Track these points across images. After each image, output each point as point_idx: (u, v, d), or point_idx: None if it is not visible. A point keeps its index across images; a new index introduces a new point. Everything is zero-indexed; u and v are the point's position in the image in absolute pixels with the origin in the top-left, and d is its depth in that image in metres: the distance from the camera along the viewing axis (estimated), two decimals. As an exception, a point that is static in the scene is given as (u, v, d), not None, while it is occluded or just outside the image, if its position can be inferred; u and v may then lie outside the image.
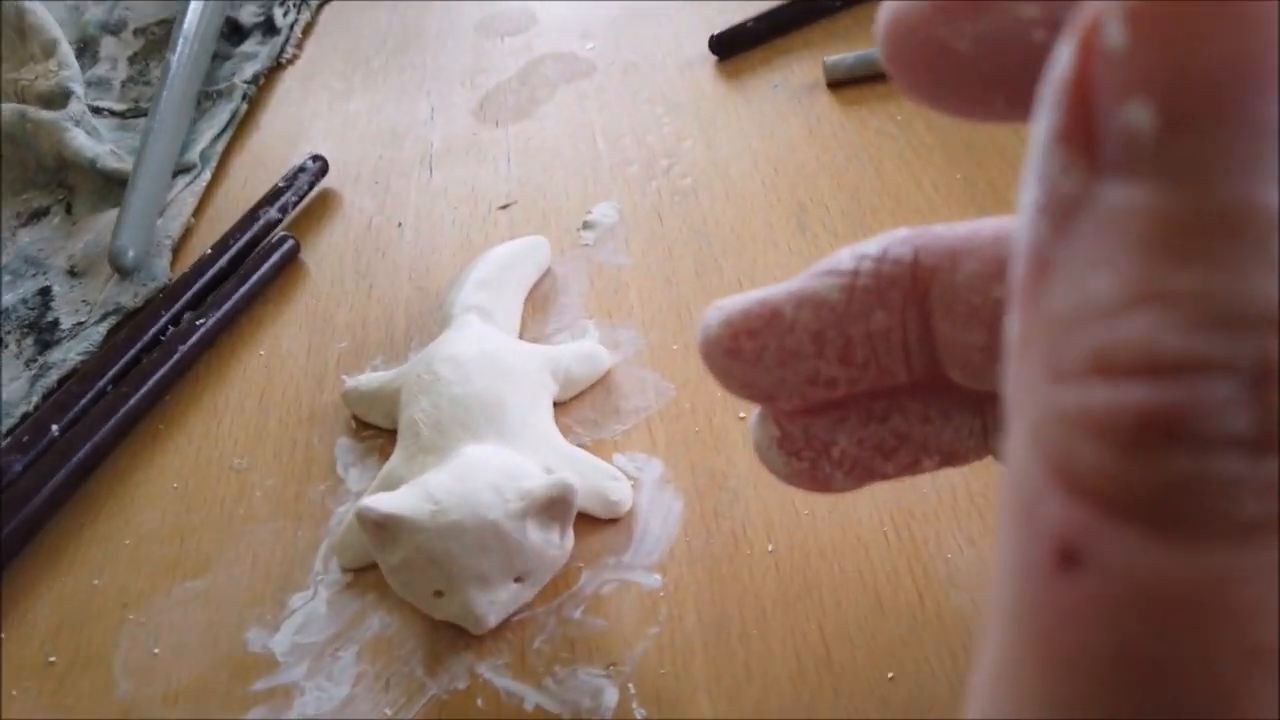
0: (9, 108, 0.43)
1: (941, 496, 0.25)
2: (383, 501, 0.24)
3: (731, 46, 0.42)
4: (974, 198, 0.33)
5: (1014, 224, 0.12)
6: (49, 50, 0.44)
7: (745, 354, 0.18)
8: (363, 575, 0.27)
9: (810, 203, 0.35)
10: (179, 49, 0.44)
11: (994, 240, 0.16)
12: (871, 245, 0.16)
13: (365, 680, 0.24)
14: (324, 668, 0.25)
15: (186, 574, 0.27)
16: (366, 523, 0.24)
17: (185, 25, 0.44)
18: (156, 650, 0.26)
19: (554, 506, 0.24)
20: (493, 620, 0.24)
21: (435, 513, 0.24)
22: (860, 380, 0.17)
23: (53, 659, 0.26)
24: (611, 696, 0.23)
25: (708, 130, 0.39)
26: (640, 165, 0.38)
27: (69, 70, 0.43)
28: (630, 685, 0.23)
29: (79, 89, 0.43)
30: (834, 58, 0.39)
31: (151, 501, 0.30)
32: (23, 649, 0.27)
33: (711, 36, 0.42)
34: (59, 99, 0.42)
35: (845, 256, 0.17)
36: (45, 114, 0.42)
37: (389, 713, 0.24)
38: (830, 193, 0.35)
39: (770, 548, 0.25)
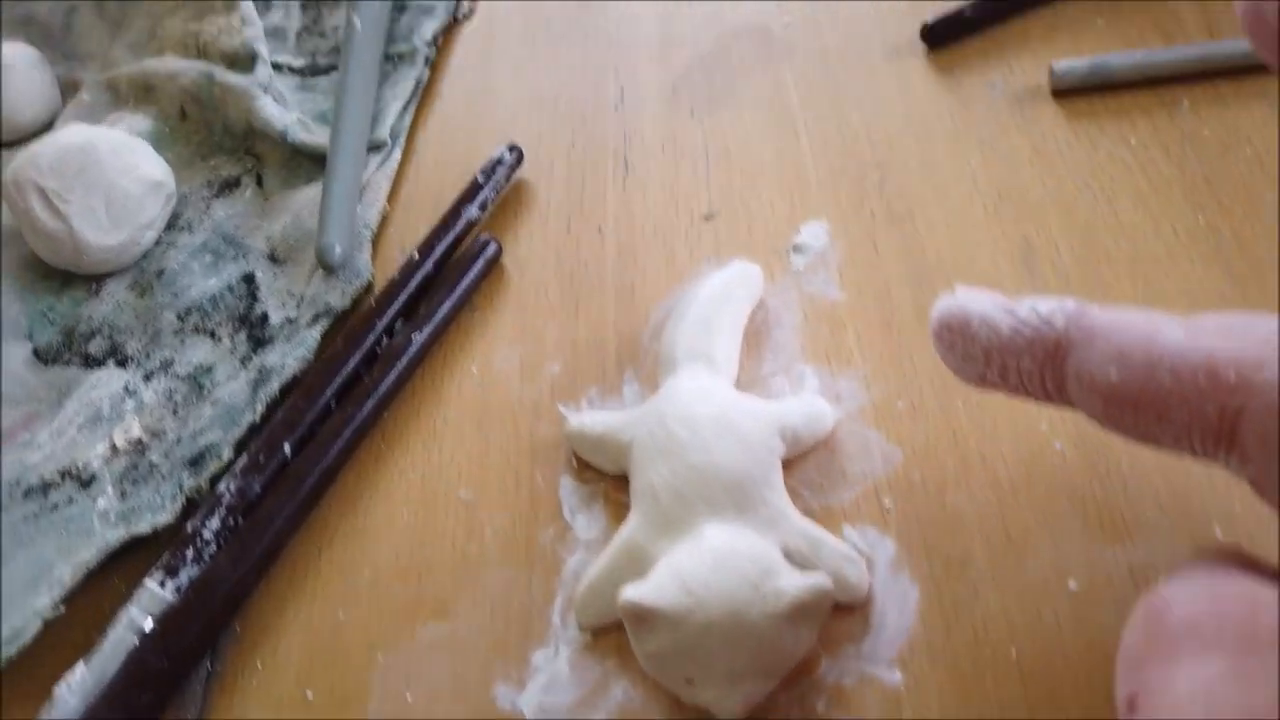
0: (194, 67, 0.42)
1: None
2: (643, 594, 0.24)
3: (944, 36, 0.39)
4: (1219, 250, 0.32)
5: (1157, 323, 0.20)
6: (229, 2, 0.43)
7: (944, 341, 0.24)
8: (603, 636, 0.28)
9: (1038, 239, 0.33)
10: (360, 7, 0.42)
11: (1128, 331, 0.20)
12: (1045, 305, 0.22)
13: (614, 749, 0.26)
14: (572, 731, 0.26)
15: (428, 616, 0.29)
16: (627, 613, 0.24)
17: (366, -16, 0.43)
18: (409, 697, 0.27)
19: (809, 609, 0.24)
20: (742, 712, 0.25)
21: (693, 608, 0.24)
22: (1016, 393, 0.23)
23: (310, 695, 0.28)
24: (858, 794, 0.24)
25: (921, 139, 0.37)
26: (849, 178, 0.36)
27: (253, 28, 0.42)
28: (876, 785, 0.24)
29: (264, 49, 0.42)
30: (1064, 64, 0.36)
31: (384, 532, 0.31)
32: (280, 682, 0.28)
33: (924, 25, 0.39)
34: (245, 61, 0.42)
35: (1026, 304, 0.22)
36: (233, 79, 0.41)
37: (639, 785, 0.25)
38: (1060, 229, 0.33)
39: (1014, 653, 0.25)
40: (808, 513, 0.28)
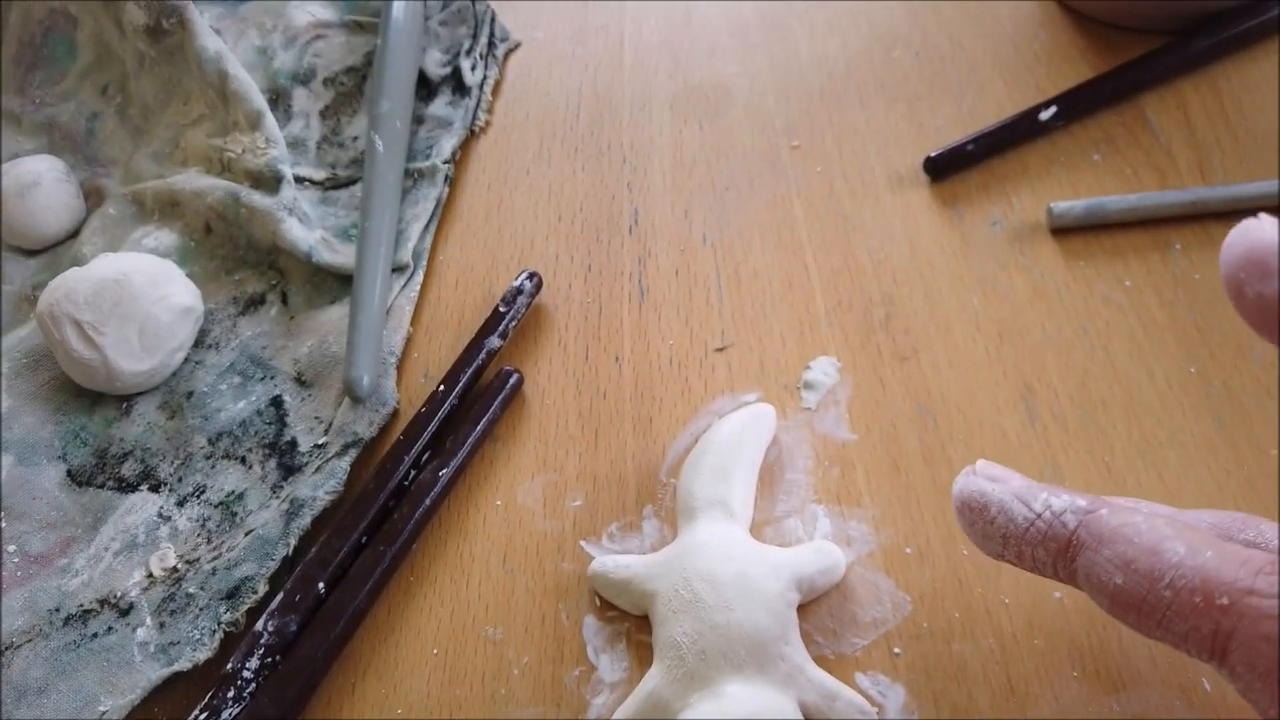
0: (219, 185, 0.43)
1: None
2: (671, 759, 0.26)
3: (947, 169, 0.41)
4: (1209, 401, 0.33)
5: (1160, 535, 0.22)
6: (254, 122, 0.44)
7: (963, 518, 0.26)
8: (627, 781, 0.29)
9: (1037, 384, 0.35)
10: (382, 127, 0.44)
11: (1132, 541, 0.22)
12: (1059, 501, 0.24)
13: None
14: None
15: (460, 756, 0.30)
16: (655, 776, 0.26)
17: (383, 107, 0.44)
18: (444, 838, 0.29)
19: (827, 772, 0.26)
20: None
21: (719, 773, 0.26)
22: (1030, 572, 0.25)
23: (349, 833, 0.29)
24: None
25: (925, 275, 0.38)
26: (856, 313, 0.38)
27: (277, 149, 0.44)
28: None
29: (288, 171, 0.43)
30: (1062, 205, 0.38)
31: (414, 668, 0.32)
32: (321, 819, 0.30)
33: (927, 159, 0.41)
34: (270, 182, 0.43)
35: (1041, 497, 0.24)
36: (258, 200, 0.42)
37: None
38: (1058, 374, 0.35)
39: (1017, 806, 0.27)
40: (821, 660, 0.30)
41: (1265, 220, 0.22)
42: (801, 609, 0.31)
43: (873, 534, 0.33)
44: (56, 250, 0.47)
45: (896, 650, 0.30)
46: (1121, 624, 0.23)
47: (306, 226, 0.43)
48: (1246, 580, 0.21)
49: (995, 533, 0.25)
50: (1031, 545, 0.24)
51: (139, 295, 0.38)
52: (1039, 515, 0.24)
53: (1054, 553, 0.24)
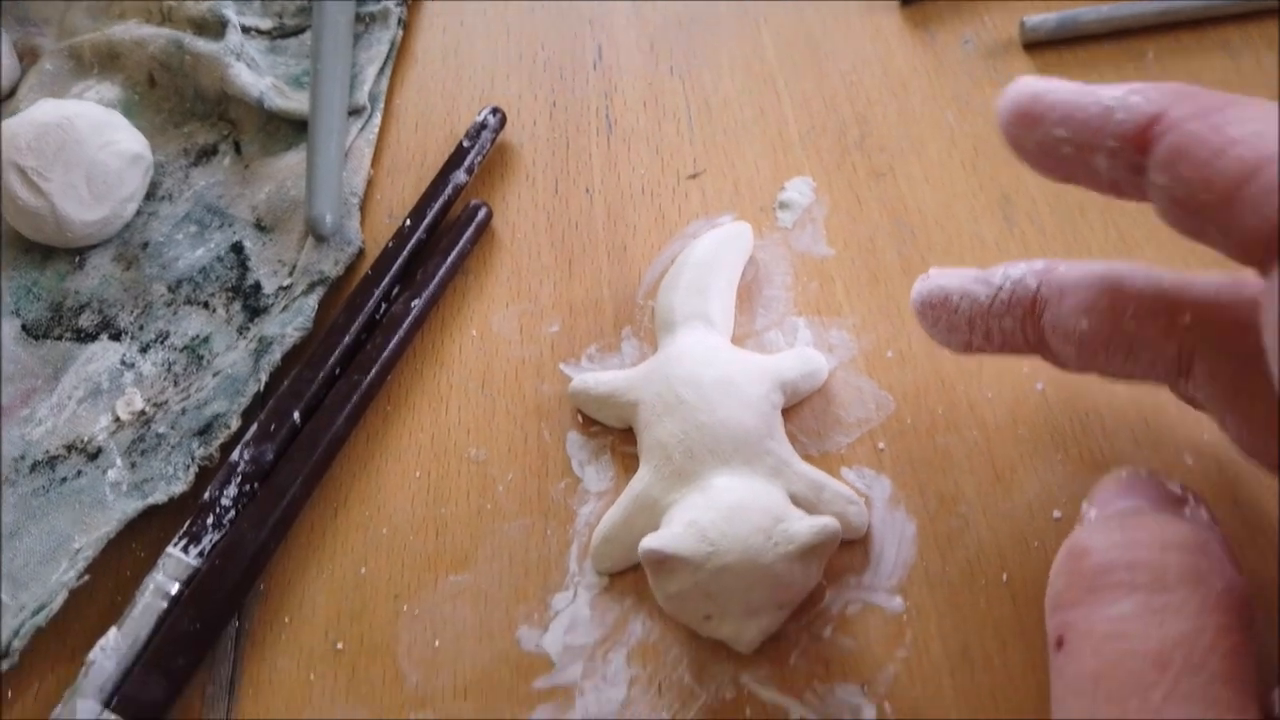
0: (161, 34, 0.42)
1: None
2: (664, 542, 0.26)
3: (917, -9, 0.40)
4: (1182, 197, 0.33)
5: (1119, 273, 0.23)
6: (194, -34, 0.42)
7: (927, 318, 0.26)
8: (619, 579, 0.29)
9: (1014, 193, 0.35)
10: (330, -32, 0.42)
11: (1093, 285, 0.23)
12: (1016, 269, 0.24)
13: (639, 684, 0.27)
14: (597, 669, 0.28)
15: (449, 568, 0.30)
16: (649, 560, 0.26)
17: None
18: (436, 643, 0.29)
19: (819, 549, 0.26)
20: (758, 642, 0.26)
21: (711, 554, 0.26)
22: (1000, 351, 0.26)
23: (339, 645, 0.29)
24: (869, 712, 0.26)
25: (898, 95, 0.38)
26: (830, 134, 0.37)
27: (220, -8, 0.42)
28: (886, 704, 0.26)
29: (233, 15, 0.42)
30: (1035, 19, 0.37)
31: (398, 490, 0.32)
32: (310, 635, 0.29)
33: (898, -18, 0.40)
34: (214, 26, 0.41)
35: (999, 273, 0.25)
36: (203, 46, 0.41)
37: (666, 716, 0.27)
38: (1035, 183, 0.35)
39: (1004, 578, 0.27)
40: (808, 458, 0.30)
41: (1023, 79, 0.22)
42: (785, 413, 0.31)
43: (854, 340, 0.32)
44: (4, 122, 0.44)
45: (881, 446, 0.30)
46: (1091, 372, 0.24)
47: (256, 73, 0.41)
48: (1212, 294, 0.21)
49: (960, 320, 0.25)
50: (998, 317, 0.25)
51: (84, 140, 0.37)
52: (1000, 287, 0.25)
53: (1020, 317, 0.24)
